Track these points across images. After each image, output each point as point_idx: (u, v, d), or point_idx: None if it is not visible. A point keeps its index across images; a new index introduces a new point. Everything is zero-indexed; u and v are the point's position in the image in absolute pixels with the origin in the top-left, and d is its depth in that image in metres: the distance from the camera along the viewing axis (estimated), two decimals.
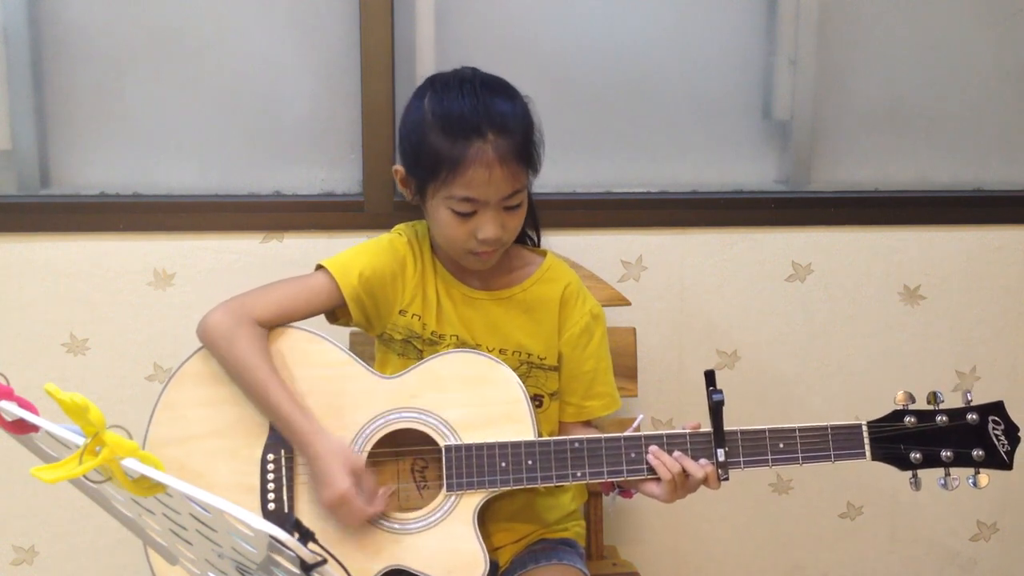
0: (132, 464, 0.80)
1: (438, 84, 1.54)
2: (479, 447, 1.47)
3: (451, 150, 1.46)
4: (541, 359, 1.61)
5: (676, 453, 1.45)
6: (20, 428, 0.90)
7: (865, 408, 1.48)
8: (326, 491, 1.44)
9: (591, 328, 1.62)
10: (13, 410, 0.89)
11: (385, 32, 1.91)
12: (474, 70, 1.56)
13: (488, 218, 1.49)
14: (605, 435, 1.48)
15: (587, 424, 1.65)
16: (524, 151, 1.50)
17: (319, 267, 1.59)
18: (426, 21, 1.97)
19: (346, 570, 0.82)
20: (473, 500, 1.47)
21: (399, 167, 1.58)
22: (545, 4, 2.02)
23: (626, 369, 1.87)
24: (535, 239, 1.72)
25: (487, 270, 1.60)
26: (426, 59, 1.96)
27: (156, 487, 0.81)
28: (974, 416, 1.44)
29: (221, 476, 1.50)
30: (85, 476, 0.83)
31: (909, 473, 1.45)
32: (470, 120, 1.47)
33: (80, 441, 0.82)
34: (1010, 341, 2.14)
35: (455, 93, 1.50)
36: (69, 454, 0.84)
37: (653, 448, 1.45)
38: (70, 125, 1.97)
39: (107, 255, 1.94)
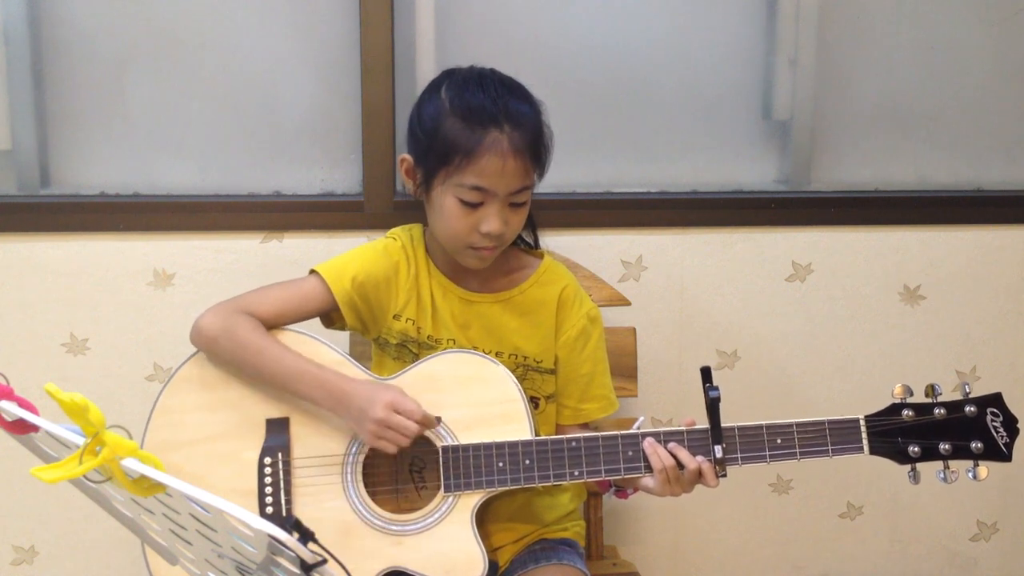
0: (132, 464, 0.80)
1: (457, 76, 1.55)
2: (476, 447, 1.47)
3: (468, 138, 1.47)
4: (538, 362, 1.61)
5: (671, 444, 1.45)
6: (20, 428, 0.90)
7: (865, 408, 1.47)
8: (374, 407, 1.43)
9: (588, 331, 1.62)
10: (13, 410, 0.89)
11: (385, 32, 1.91)
12: (492, 69, 1.57)
13: (493, 211, 1.49)
14: (602, 433, 1.48)
15: (584, 427, 1.65)
16: (535, 150, 1.51)
17: (312, 271, 1.60)
18: (426, 21, 1.97)
19: (346, 570, 0.82)
20: (471, 500, 1.47)
21: (406, 156, 1.58)
22: (545, 4, 2.02)
23: (626, 369, 1.87)
24: (532, 242, 1.71)
25: (484, 272, 1.60)
26: (426, 59, 1.96)
27: (156, 487, 0.81)
28: (972, 408, 1.43)
29: (218, 480, 1.50)
30: (85, 476, 0.83)
31: (908, 467, 1.44)
32: (489, 111, 1.48)
33: (80, 441, 0.82)
34: (1010, 341, 2.14)
35: (475, 86, 1.52)
36: (69, 454, 0.83)
37: (648, 439, 1.45)
38: (70, 125, 1.97)
39: (107, 255, 1.94)
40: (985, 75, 2.13)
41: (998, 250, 2.11)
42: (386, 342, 1.61)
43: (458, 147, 1.47)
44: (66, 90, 1.96)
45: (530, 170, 1.50)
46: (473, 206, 1.49)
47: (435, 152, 1.50)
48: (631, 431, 1.47)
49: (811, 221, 2.06)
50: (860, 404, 2.08)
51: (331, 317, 1.61)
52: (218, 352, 1.52)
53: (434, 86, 1.56)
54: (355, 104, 1.95)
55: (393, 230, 1.66)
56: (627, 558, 1.96)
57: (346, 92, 1.98)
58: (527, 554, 1.62)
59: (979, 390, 1.44)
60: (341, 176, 2.02)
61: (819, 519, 2.17)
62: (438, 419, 1.47)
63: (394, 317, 1.59)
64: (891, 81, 2.10)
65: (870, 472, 2.12)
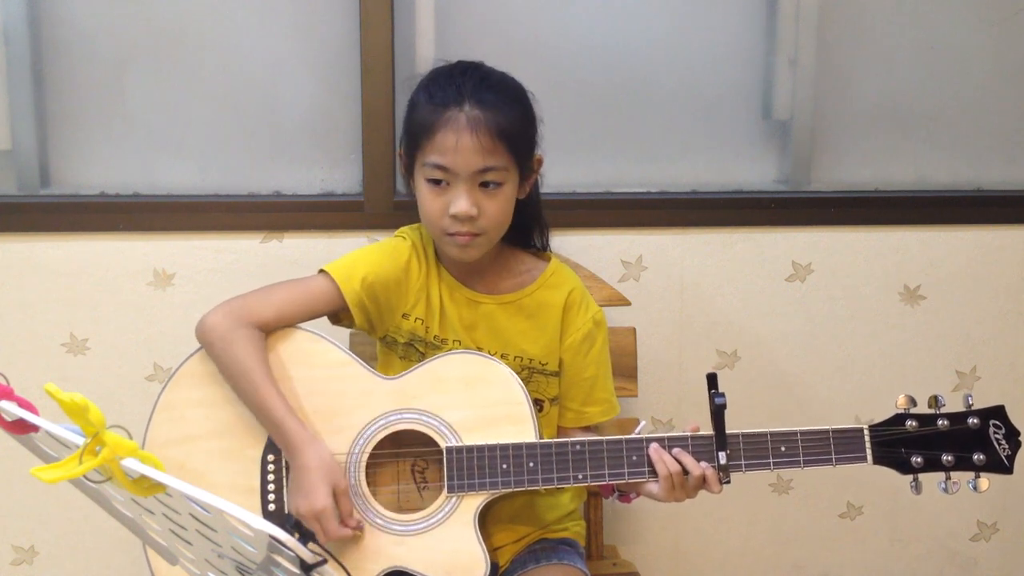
0: (132, 464, 0.80)
1: (439, 69, 1.57)
2: (480, 448, 1.47)
3: (430, 118, 1.49)
4: (543, 364, 1.61)
5: (676, 450, 1.44)
6: (20, 428, 0.90)
7: (865, 408, 1.48)
8: (304, 502, 1.43)
9: (593, 335, 1.62)
10: (13, 410, 0.89)
11: (385, 32, 1.91)
12: (478, 63, 1.58)
13: (460, 191, 1.49)
14: (607, 438, 1.47)
15: (586, 429, 1.64)
16: (504, 131, 1.49)
17: (321, 271, 1.59)
18: (426, 21, 1.97)
19: (346, 570, 0.82)
20: (474, 502, 1.47)
21: (400, 149, 1.61)
22: (545, 4, 2.02)
23: (626, 369, 1.87)
24: (541, 244, 1.70)
25: (491, 274, 1.60)
26: (426, 59, 1.96)
27: (156, 487, 0.81)
28: (975, 420, 1.44)
29: (221, 476, 1.50)
30: (85, 476, 0.83)
31: (910, 477, 1.45)
32: (451, 93, 1.50)
33: (80, 441, 0.82)
34: (1010, 341, 2.14)
35: (447, 75, 1.54)
36: (69, 454, 0.83)
37: (654, 445, 1.45)
38: (70, 125, 1.97)
39: (107, 255, 1.94)
40: (985, 75, 2.13)
41: (998, 250, 2.11)
42: (394, 341, 1.61)
43: (423, 128, 1.50)
44: (66, 90, 1.96)
45: (494, 150, 1.48)
46: (440, 186, 1.50)
47: (409, 138, 1.54)
48: (635, 435, 1.47)
49: (811, 221, 2.06)
50: (860, 404, 2.09)
51: (339, 316, 1.60)
52: (212, 355, 1.51)
53: (421, 80, 1.58)
54: (355, 104, 1.95)
55: (402, 229, 1.66)
56: (627, 558, 1.96)
57: (346, 92, 1.97)
58: (527, 554, 1.62)
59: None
60: (341, 176, 2.01)
61: (819, 519, 2.17)
62: (358, 526, 1.46)
63: (403, 316, 1.59)
64: (891, 81, 2.10)
65: (870, 472, 2.11)
